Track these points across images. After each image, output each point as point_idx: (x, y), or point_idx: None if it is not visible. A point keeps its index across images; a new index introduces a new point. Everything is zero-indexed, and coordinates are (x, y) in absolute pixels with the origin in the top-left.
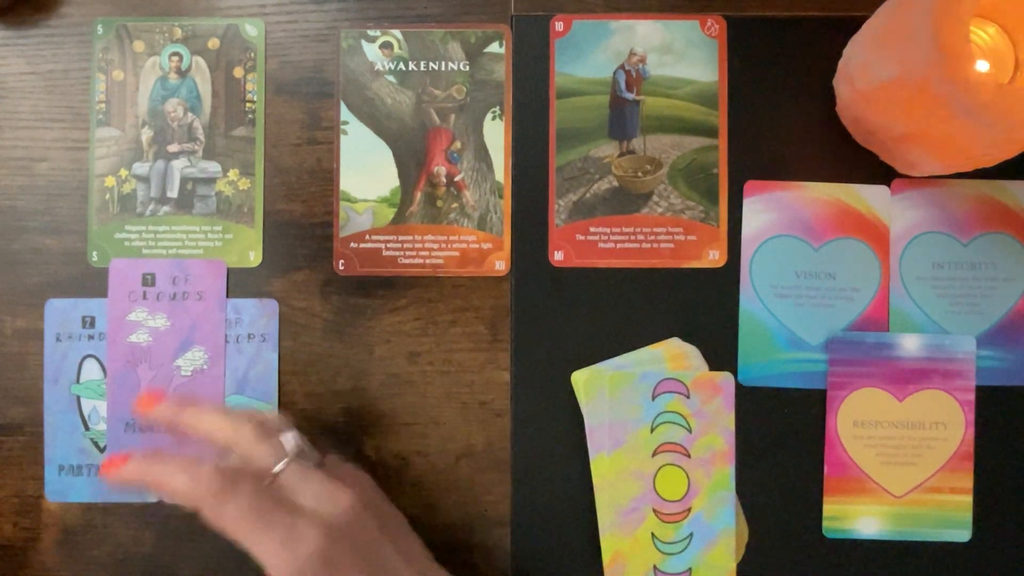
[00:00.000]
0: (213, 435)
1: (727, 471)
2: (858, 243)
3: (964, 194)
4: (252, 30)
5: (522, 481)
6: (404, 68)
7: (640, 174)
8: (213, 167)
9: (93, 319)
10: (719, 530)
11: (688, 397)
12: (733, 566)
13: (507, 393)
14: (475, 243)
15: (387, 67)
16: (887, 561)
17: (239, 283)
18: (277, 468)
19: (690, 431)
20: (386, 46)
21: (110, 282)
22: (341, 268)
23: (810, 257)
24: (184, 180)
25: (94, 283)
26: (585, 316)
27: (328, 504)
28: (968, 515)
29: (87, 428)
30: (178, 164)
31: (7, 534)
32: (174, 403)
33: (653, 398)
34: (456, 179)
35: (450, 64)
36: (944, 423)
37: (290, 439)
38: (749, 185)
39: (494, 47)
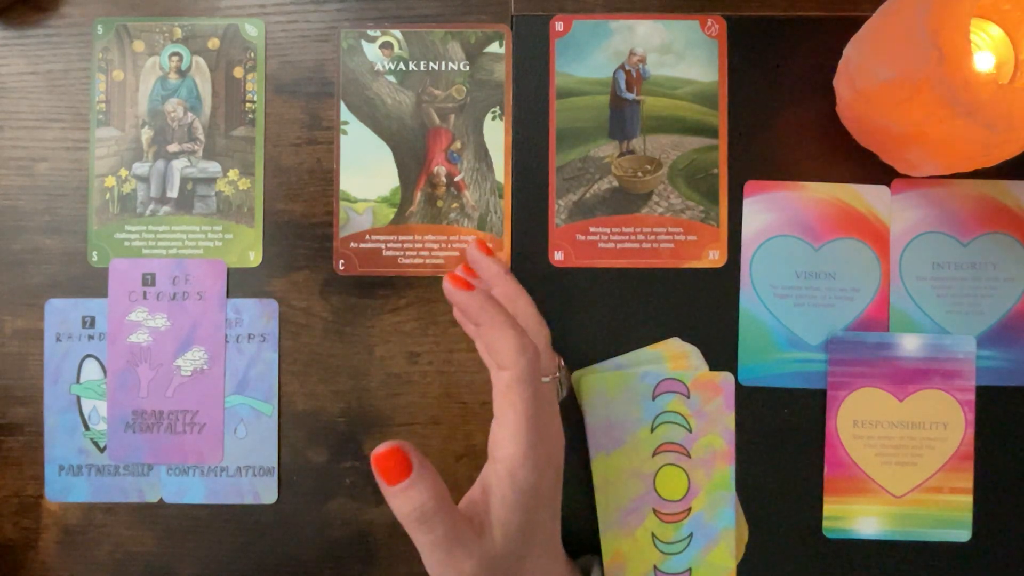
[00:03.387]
0: (525, 323)
1: (727, 471)
2: (858, 243)
3: (964, 194)
4: (252, 30)
5: None
6: (404, 68)
7: (640, 174)
8: (213, 167)
9: (93, 319)
10: (719, 530)
11: (688, 397)
12: (733, 566)
13: None
14: None
15: (387, 67)
16: (887, 561)
17: (239, 283)
18: (546, 379)
19: (690, 431)
20: (386, 46)
21: (110, 282)
22: (341, 268)
23: (810, 257)
24: (184, 180)
25: (94, 283)
26: (585, 316)
27: (560, 444)
28: (968, 515)
29: (87, 428)
30: (178, 164)
31: (7, 534)
32: (481, 297)
33: (653, 398)
34: (456, 179)
35: (450, 64)
36: (944, 423)
37: (558, 366)
38: (749, 185)
39: (494, 47)
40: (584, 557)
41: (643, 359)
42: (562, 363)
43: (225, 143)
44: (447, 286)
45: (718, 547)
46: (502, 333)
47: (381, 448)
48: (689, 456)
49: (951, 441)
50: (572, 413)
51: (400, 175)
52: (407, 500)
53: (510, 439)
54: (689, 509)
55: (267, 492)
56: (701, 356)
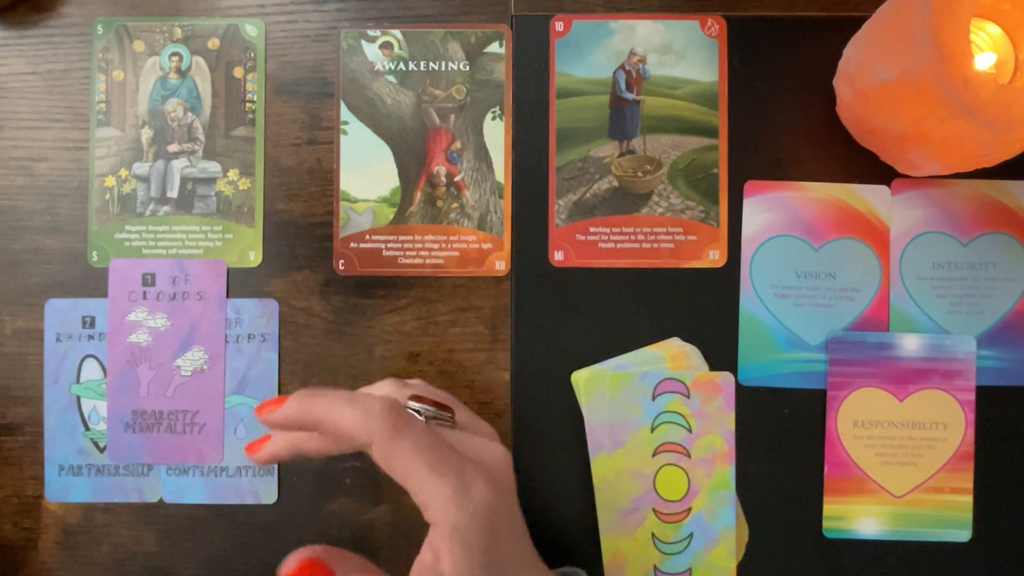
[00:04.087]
0: (344, 426)
1: (727, 471)
2: (858, 243)
3: (964, 194)
4: (252, 30)
5: (522, 481)
6: (404, 68)
7: (640, 174)
8: (213, 167)
9: (93, 319)
10: (719, 530)
11: (688, 397)
12: (733, 566)
13: (507, 393)
14: (475, 243)
15: (387, 67)
16: (887, 561)
17: (239, 283)
18: (422, 417)
19: (690, 431)
20: (386, 46)
21: (110, 282)
22: (341, 268)
23: (810, 257)
24: (184, 180)
25: (94, 283)
26: (585, 316)
27: (485, 454)
28: (968, 515)
29: (87, 428)
30: (178, 164)
31: (7, 534)
32: (297, 400)
33: (653, 398)
34: (456, 179)
35: (450, 64)
36: (944, 423)
37: (417, 407)
38: (749, 185)
39: (494, 47)
40: (565, 568)
41: (643, 359)
42: (424, 407)
43: (225, 143)
44: (262, 417)
45: (718, 547)
46: (339, 416)
47: (291, 565)
48: (689, 456)
49: (951, 441)
50: (572, 413)
51: (400, 175)
52: None
53: (432, 494)
54: (689, 509)
55: (267, 492)
56: (701, 356)
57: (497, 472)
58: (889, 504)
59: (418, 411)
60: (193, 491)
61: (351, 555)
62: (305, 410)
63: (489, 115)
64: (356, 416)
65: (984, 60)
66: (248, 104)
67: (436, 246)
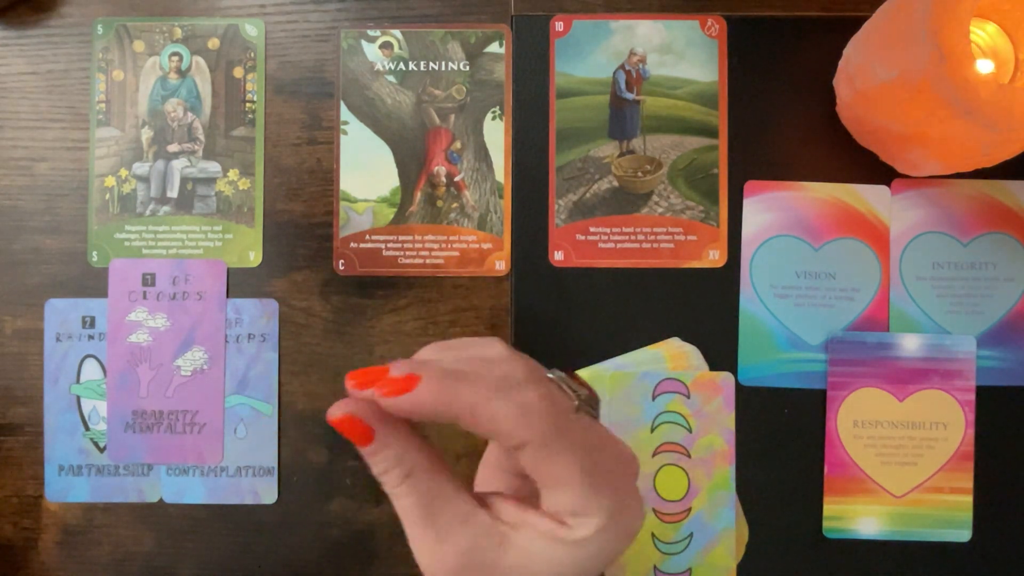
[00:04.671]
0: (500, 426)
1: (727, 471)
2: (858, 243)
3: (964, 194)
4: (252, 30)
5: None
6: (404, 68)
7: (640, 174)
8: (213, 167)
9: (93, 319)
10: (719, 530)
11: (688, 397)
12: (733, 566)
13: None
14: (475, 243)
15: (387, 67)
16: (887, 561)
17: (239, 283)
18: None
19: (690, 431)
20: (386, 46)
21: (110, 282)
22: (341, 268)
23: (810, 257)
24: (184, 180)
25: (94, 283)
26: (585, 316)
27: (623, 463)
28: (968, 515)
29: (87, 428)
30: (178, 164)
31: (7, 534)
32: (437, 386)
33: (653, 398)
34: (456, 179)
35: (450, 64)
36: (944, 423)
37: (564, 385)
38: (749, 185)
39: (494, 47)
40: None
41: (643, 359)
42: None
43: (225, 143)
44: (386, 402)
45: (718, 547)
46: (489, 405)
47: (338, 413)
48: (689, 456)
49: (951, 441)
50: None
51: (400, 175)
52: (380, 463)
53: (581, 504)
54: (689, 509)
55: (267, 492)
56: (701, 356)
57: (640, 519)
58: (889, 504)
59: (564, 387)
60: (193, 491)
61: (402, 425)
62: (448, 401)
63: (489, 115)
64: (512, 413)
65: (984, 60)
66: (248, 104)
67: (436, 246)
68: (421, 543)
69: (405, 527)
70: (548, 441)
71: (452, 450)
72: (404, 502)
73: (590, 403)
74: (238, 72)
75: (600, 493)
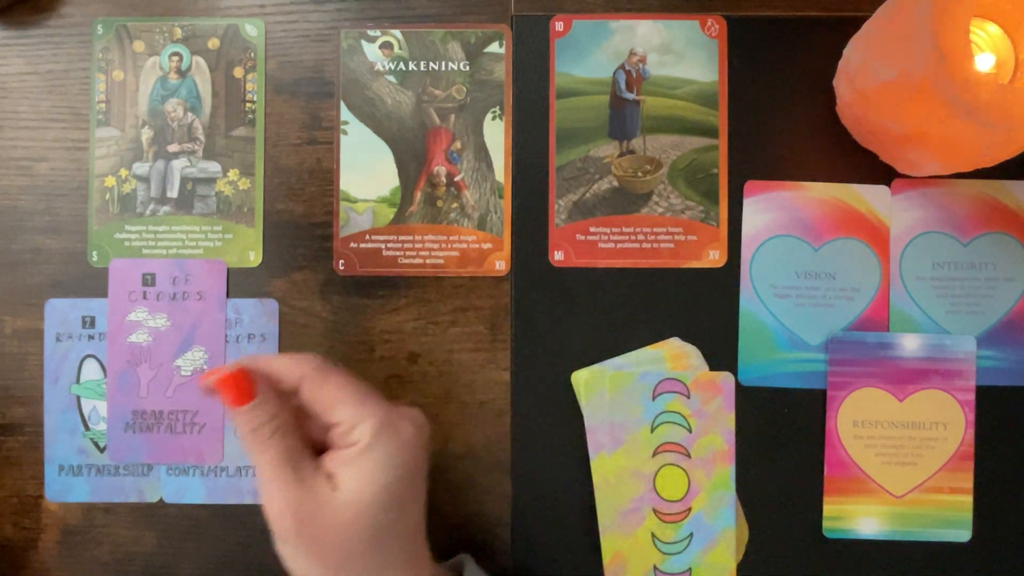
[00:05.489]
0: (275, 367)
1: (727, 471)
2: (858, 243)
3: (964, 194)
4: (252, 30)
5: (522, 481)
6: (404, 68)
7: (640, 174)
8: (213, 167)
9: (93, 319)
10: (719, 530)
11: (688, 397)
12: (733, 566)
13: (507, 393)
14: (475, 243)
15: (387, 67)
16: (887, 561)
17: (239, 283)
18: None
19: (690, 431)
20: (386, 46)
21: (110, 282)
22: (341, 268)
23: (810, 257)
24: (184, 180)
25: (94, 283)
26: (585, 316)
27: (408, 413)
28: (968, 515)
29: (87, 428)
30: (178, 164)
31: (7, 534)
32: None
33: (653, 398)
34: (456, 179)
35: (450, 64)
36: (944, 423)
37: None
38: (749, 185)
39: (494, 47)
40: (457, 556)
41: (643, 359)
42: None
43: (225, 143)
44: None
45: (718, 547)
46: (268, 358)
47: (220, 373)
48: (689, 456)
49: (951, 441)
50: (572, 413)
51: (400, 175)
52: (255, 418)
53: (357, 412)
54: (689, 509)
55: None
56: (701, 356)
57: (421, 432)
58: (889, 504)
59: None
60: (193, 491)
61: (273, 387)
62: (248, 363)
63: (489, 115)
64: (286, 359)
65: (984, 60)
66: (248, 104)
67: (436, 246)
68: (281, 491)
69: (264, 479)
70: (319, 372)
71: (452, 450)
72: (270, 454)
73: None
74: (238, 72)
75: (366, 403)
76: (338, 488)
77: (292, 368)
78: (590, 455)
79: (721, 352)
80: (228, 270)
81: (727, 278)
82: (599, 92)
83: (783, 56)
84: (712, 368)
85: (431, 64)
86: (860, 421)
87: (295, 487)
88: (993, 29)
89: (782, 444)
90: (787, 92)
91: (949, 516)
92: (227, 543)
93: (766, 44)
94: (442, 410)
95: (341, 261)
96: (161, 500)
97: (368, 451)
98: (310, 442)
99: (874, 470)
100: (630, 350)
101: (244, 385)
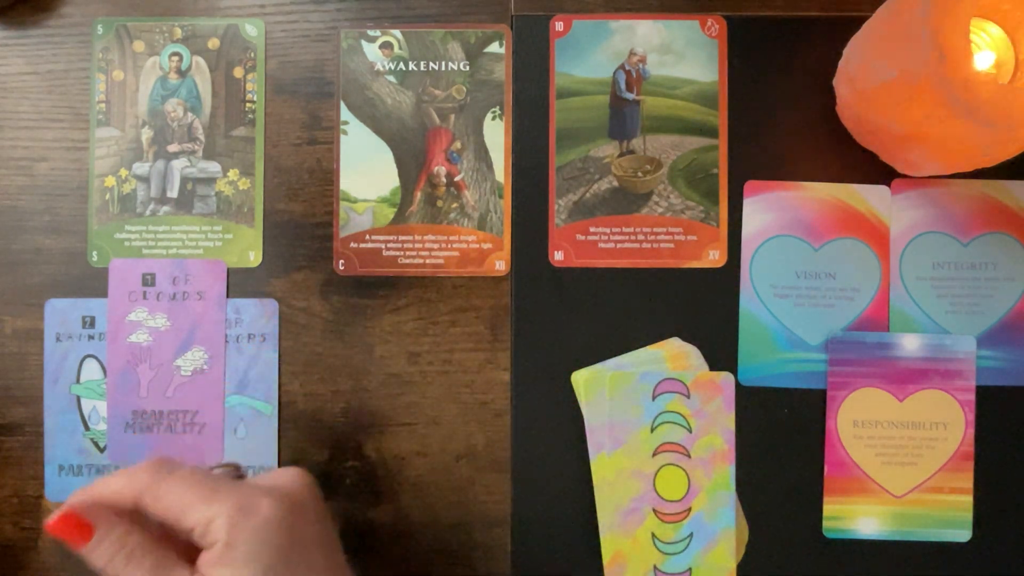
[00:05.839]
0: (112, 489)
1: (727, 471)
2: (858, 243)
3: (964, 194)
4: (252, 30)
5: (522, 481)
6: (404, 68)
7: (640, 174)
8: (213, 167)
9: (93, 319)
10: (719, 530)
11: (688, 397)
12: (733, 566)
13: (507, 393)
14: (475, 243)
15: (387, 67)
16: (887, 561)
17: (239, 283)
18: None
19: (690, 431)
20: (386, 46)
21: (110, 282)
22: (341, 268)
23: (810, 257)
24: (184, 180)
25: (94, 283)
26: (585, 316)
27: (277, 479)
28: (968, 515)
29: (87, 428)
30: (178, 164)
31: (7, 534)
32: (75, 495)
33: (653, 398)
34: (456, 179)
35: (450, 64)
36: (944, 423)
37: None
38: (749, 185)
39: (494, 47)
40: None
41: (643, 359)
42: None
43: (225, 143)
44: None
45: (718, 547)
46: (103, 483)
47: (53, 518)
48: (689, 456)
49: (951, 441)
50: (572, 413)
51: (400, 175)
52: (105, 551)
53: (207, 512)
54: (689, 509)
55: None
56: (701, 356)
57: (292, 492)
58: (889, 504)
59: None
60: None
61: (112, 512)
62: (80, 498)
63: (489, 115)
64: (119, 478)
65: (984, 60)
66: (248, 104)
67: (436, 246)
68: None
69: None
70: (155, 481)
71: (452, 450)
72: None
73: (225, 467)
74: (238, 72)
75: (214, 498)
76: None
77: (125, 487)
78: (590, 455)
79: (721, 352)
80: (228, 270)
81: (727, 278)
82: (599, 92)
83: (783, 56)
84: (712, 368)
85: (431, 64)
86: (860, 421)
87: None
88: (993, 29)
89: (782, 444)
90: (787, 92)
91: (949, 516)
92: None
93: (766, 44)
94: (442, 410)
95: (341, 261)
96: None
97: (229, 548)
98: (183, 546)
99: (874, 470)
100: (630, 350)
101: (77, 523)
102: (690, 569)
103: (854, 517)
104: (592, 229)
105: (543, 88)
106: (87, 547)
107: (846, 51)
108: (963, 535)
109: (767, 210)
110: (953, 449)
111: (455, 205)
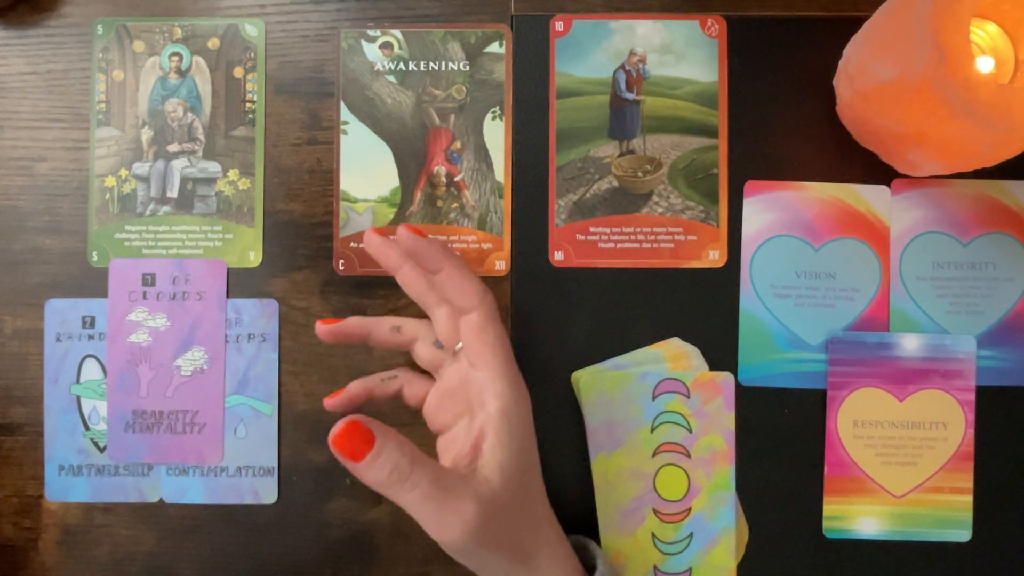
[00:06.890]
0: (463, 282)
1: (727, 471)
2: (858, 243)
3: (964, 194)
4: (252, 30)
5: None
6: (404, 68)
7: (640, 174)
8: (213, 167)
9: (93, 319)
10: (719, 530)
11: (688, 397)
12: (733, 566)
13: None
14: (475, 243)
15: (387, 67)
16: (887, 561)
17: (239, 283)
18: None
19: (690, 431)
20: (386, 46)
21: (110, 282)
22: (341, 268)
23: (810, 257)
24: (184, 180)
25: (94, 283)
26: (585, 316)
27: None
28: (968, 515)
29: (87, 428)
30: (178, 164)
31: (7, 534)
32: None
33: (653, 398)
34: (456, 179)
35: (450, 64)
36: (944, 423)
37: None
38: (749, 185)
39: (494, 47)
40: (575, 536)
41: (643, 359)
42: None
43: (225, 143)
44: (403, 234)
45: (718, 547)
46: (464, 274)
47: (338, 428)
48: (689, 456)
49: (951, 441)
50: (572, 413)
51: (400, 175)
52: (380, 469)
53: (498, 378)
54: (689, 509)
55: (267, 492)
56: (701, 356)
57: (528, 404)
58: (889, 504)
59: None
60: (193, 491)
61: (390, 429)
62: (443, 249)
63: (489, 115)
64: (476, 283)
65: (984, 61)
66: (248, 104)
67: None
68: (444, 517)
69: (421, 513)
70: (491, 314)
71: None
72: (417, 491)
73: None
74: (238, 72)
75: (512, 368)
76: (487, 479)
77: (478, 290)
78: (590, 455)
79: (721, 352)
80: (228, 270)
81: (727, 278)
82: (599, 92)
83: (783, 56)
84: (712, 368)
85: (431, 64)
86: (860, 421)
87: (462, 504)
88: (993, 29)
89: (782, 444)
90: (787, 92)
91: (949, 516)
92: (227, 543)
93: (766, 44)
94: None
95: (341, 261)
96: (161, 500)
97: (501, 417)
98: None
99: (874, 470)
100: (630, 350)
101: (362, 433)
102: (690, 569)
103: (854, 517)
104: (592, 229)
105: (543, 88)
106: (367, 460)
107: (846, 51)
108: (963, 535)
109: (767, 210)
110: (953, 449)
111: (455, 205)
